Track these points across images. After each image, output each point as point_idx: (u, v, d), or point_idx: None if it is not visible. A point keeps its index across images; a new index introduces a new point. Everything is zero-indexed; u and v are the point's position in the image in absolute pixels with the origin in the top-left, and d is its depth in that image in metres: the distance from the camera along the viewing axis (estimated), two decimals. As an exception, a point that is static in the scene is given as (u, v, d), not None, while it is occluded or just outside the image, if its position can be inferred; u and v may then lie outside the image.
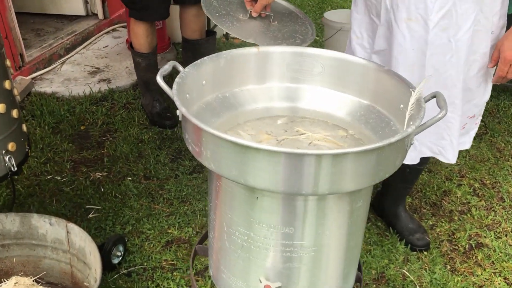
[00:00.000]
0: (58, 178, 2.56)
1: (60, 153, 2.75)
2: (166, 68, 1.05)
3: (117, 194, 2.46)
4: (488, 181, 2.69)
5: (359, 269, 1.29)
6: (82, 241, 1.80)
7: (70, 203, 2.39)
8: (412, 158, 1.92)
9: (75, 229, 1.81)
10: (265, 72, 1.22)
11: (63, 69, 3.62)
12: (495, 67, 1.77)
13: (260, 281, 1.11)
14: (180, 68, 1.09)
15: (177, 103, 0.94)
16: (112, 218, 2.31)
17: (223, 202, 1.04)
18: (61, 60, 3.70)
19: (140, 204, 2.41)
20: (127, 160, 2.71)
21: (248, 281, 1.15)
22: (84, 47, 3.90)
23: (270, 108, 1.23)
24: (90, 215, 2.33)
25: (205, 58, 1.13)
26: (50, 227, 1.85)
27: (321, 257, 1.06)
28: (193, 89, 1.09)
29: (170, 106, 3.17)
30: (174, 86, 1.00)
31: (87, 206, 2.38)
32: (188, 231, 2.27)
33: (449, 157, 1.89)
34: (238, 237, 1.03)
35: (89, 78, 3.50)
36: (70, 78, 3.49)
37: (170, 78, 1.31)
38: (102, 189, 2.49)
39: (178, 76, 1.04)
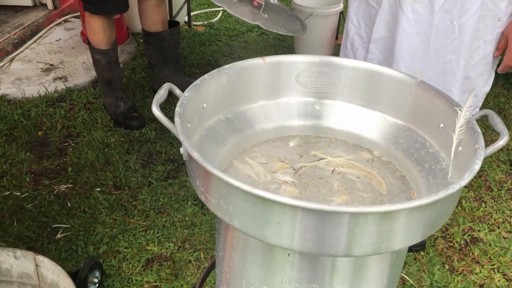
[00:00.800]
0: (18, 193, 2.30)
1: (17, 164, 2.48)
2: (161, 94, 0.85)
3: (86, 209, 2.23)
4: (474, 170, 2.61)
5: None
6: (55, 275, 1.59)
7: (34, 222, 2.15)
8: None
9: (45, 262, 1.60)
10: (276, 86, 1.03)
11: (12, 67, 3.29)
12: (499, 56, 1.67)
13: None
14: (177, 91, 0.89)
15: (185, 144, 0.74)
16: (83, 238, 2.09)
17: (242, 257, 0.86)
18: (9, 57, 3.37)
19: (113, 219, 2.19)
20: (93, 169, 2.47)
21: None
22: (34, 42, 3.57)
23: (280, 127, 1.05)
24: (58, 236, 2.10)
25: (205, 76, 0.93)
26: (15, 261, 1.63)
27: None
28: (193, 115, 0.90)
29: (135, 104, 2.93)
30: (176, 118, 0.80)
31: (53, 225, 2.14)
32: (169, 246, 2.08)
33: None
34: (261, 296, 0.86)
35: (43, 76, 3.19)
36: (21, 77, 3.17)
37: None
38: (69, 204, 2.25)
39: (178, 104, 0.84)
